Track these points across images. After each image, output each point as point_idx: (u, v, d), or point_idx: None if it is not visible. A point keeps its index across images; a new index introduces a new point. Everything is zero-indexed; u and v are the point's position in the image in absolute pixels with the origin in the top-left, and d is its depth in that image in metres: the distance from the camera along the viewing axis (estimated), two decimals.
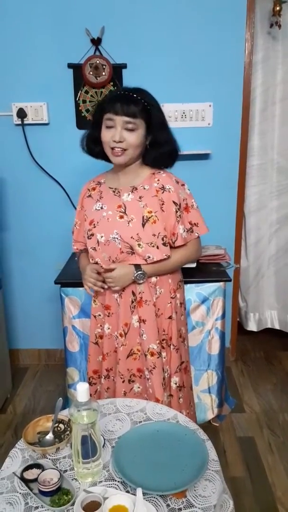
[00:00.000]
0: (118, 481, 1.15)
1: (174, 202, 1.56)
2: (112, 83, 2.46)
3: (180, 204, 1.58)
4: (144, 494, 1.07)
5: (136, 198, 1.58)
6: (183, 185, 1.63)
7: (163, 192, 1.56)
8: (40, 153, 2.58)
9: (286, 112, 2.71)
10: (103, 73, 2.41)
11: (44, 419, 1.38)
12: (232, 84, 2.48)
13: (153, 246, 1.56)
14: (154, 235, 1.56)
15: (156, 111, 1.56)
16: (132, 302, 1.63)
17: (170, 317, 1.67)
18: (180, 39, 2.42)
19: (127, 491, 1.11)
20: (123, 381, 1.70)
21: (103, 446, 1.26)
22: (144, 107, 1.52)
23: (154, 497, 1.09)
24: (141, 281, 1.60)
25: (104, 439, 1.29)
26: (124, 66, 2.44)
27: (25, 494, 1.12)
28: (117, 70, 2.44)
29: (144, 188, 1.58)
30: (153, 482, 1.12)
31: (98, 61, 2.39)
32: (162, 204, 1.56)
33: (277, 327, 3.05)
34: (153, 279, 1.63)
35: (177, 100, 2.50)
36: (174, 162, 1.65)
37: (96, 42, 2.40)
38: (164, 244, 1.57)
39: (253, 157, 2.73)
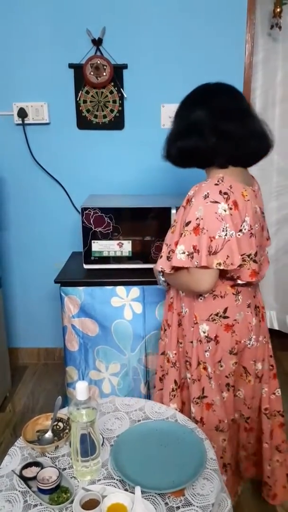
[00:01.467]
0: (117, 480, 1.16)
1: (185, 219, 1.43)
2: (112, 84, 2.46)
3: (190, 222, 1.39)
4: (142, 492, 1.07)
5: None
6: (213, 202, 1.36)
7: (188, 204, 1.44)
8: (40, 152, 2.58)
9: (286, 114, 2.72)
10: (104, 74, 2.41)
11: (43, 418, 1.39)
12: (233, 85, 2.48)
13: (162, 254, 1.54)
14: (166, 244, 1.53)
15: None
16: (170, 304, 1.66)
17: (191, 342, 1.56)
18: (181, 40, 2.42)
19: (126, 490, 1.12)
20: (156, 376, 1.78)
21: (102, 444, 1.27)
22: None
23: (153, 496, 1.10)
24: (160, 284, 1.63)
25: (103, 438, 1.30)
26: (125, 66, 2.45)
27: (24, 492, 1.12)
28: (118, 70, 2.44)
29: (188, 194, 1.49)
30: (152, 480, 1.12)
31: (99, 62, 2.40)
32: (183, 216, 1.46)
33: (276, 327, 3.06)
34: (181, 292, 1.58)
35: (177, 100, 2.44)
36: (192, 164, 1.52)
37: (97, 42, 2.40)
38: (168, 257, 1.50)
39: None
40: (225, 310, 1.49)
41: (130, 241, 2.09)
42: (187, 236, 1.39)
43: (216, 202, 1.36)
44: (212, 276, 1.40)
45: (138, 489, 1.06)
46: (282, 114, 2.72)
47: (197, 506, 1.07)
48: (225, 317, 1.50)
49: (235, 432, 1.70)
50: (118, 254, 2.10)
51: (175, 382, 1.66)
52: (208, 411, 1.58)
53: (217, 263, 1.37)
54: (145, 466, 1.18)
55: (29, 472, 1.17)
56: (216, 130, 1.38)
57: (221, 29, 2.41)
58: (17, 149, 2.58)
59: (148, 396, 2.15)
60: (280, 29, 2.48)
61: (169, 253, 1.50)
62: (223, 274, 1.44)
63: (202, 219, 1.37)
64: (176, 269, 1.47)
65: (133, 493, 1.07)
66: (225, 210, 1.36)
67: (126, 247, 2.09)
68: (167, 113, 2.52)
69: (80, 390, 1.13)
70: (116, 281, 2.07)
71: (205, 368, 1.54)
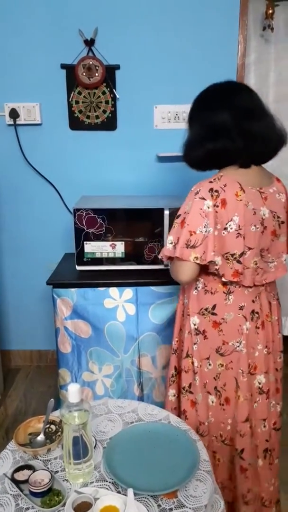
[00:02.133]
0: (110, 482, 1.15)
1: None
2: (105, 84, 2.46)
3: (180, 215, 1.46)
4: (135, 494, 1.07)
5: None
6: (201, 198, 1.40)
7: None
8: (32, 153, 2.57)
9: (278, 114, 2.72)
10: (96, 74, 2.41)
11: (36, 420, 1.38)
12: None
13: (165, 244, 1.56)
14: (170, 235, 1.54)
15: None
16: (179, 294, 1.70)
17: (188, 332, 1.58)
18: (174, 40, 2.42)
19: (118, 492, 1.11)
20: None
21: (95, 447, 1.26)
22: None
23: (145, 498, 1.09)
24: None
25: (96, 440, 1.29)
26: (117, 67, 2.45)
27: (16, 496, 1.11)
28: (110, 71, 2.44)
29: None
30: (144, 482, 1.12)
31: (91, 62, 2.39)
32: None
33: None
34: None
35: (170, 101, 2.51)
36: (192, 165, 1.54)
37: (89, 43, 2.40)
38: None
39: None
40: (214, 307, 1.51)
41: (123, 242, 2.08)
42: (175, 228, 1.47)
43: (203, 198, 1.40)
44: (190, 269, 1.44)
45: (130, 491, 1.06)
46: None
47: (189, 508, 1.07)
48: (213, 314, 1.51)
49: (226, 462, 1.62)
50: (111, 255, 2.09)
51: (175, 368, 1.69)
52: (192, 409, 1.60)
53: (194, 257, 1.41)
54: (138, 468, 1.18)
55: (21, 475, 1.16)
56: (243, 130, 1.38)
57: (213, 30, 2.41)
58: (9, 150, 2.57)
59: (142, 398, 2.15)
60: (272, 30, 2.49)
61: (171, 242, 1.52)
62: (206, 269, 1.48)
63: (188, 213, 1.42)
64: (171, 258, 1.52)
65: (126, 495, 1.06)
66: (209, 207, 1.39)
67: (119, 248, 2.09)
68: (160, 114, 2.53)
69: (72, 392, 1.12)
70: (108, 282, 2.06)
71: (192, 363, 1.57)
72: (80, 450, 1.13)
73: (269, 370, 1.57)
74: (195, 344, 1.55)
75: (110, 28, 2.40)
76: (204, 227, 1.39)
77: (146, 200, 2.26)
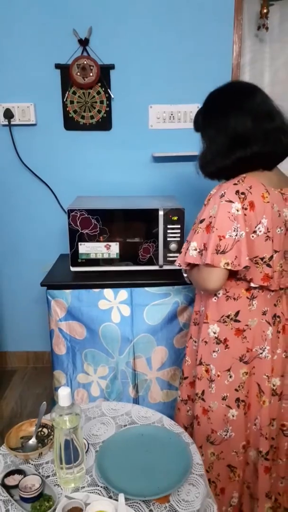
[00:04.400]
0: (101, 487, 1.13)
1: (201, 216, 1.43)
2: (99, 84, 2.44)
3: (204, 220, 1.40)
4: (126, 499, 1.06)
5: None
6: (227, 201, 1.34)
7: (207, 203, 1.43)
8: (27, 154, 2.55)
9: None
10: (91, 74, 2.39)
11: (27, 424, 1.37)
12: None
13: (182, 250, 1.52)
14: (187, 241, 1.49)
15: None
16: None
17: (202, 340, 1.54)
18: (168, 40, 2.41)
19: (110, 497, 1.10)
20: None
21: (87, 450, 1.25)
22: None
23: (137, 503, 1.08)
24: (185, 276, 1.61)
25: (88, 444, 1.28)
26: (112, 67, 2.43)
27: (6, 501, 1.10)
28: (105, 71, 2.42)
29: (210, 192, 1.47)
30: (136, 487, 1.11)
31: (85, 62, 2.38)
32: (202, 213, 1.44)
33: None
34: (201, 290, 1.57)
35: (165, 101, 2.49)
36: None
37: (84, 42, 2.38)
38: (185, 253, 1.48)
39: None
40: (237, 314, 1.46)
41: (118, 243, 2.07)
42: (199, 234, 1.40)
43: (231, 201, 1.34)
44: (219, 275, 1.37)
45: (121, 497, 1.05)
46: None
47: None
48: (236, 321, 1.46)
49: (251, 474, 1.59)
50: (106, 256, 2.08)
51: (183, 372, 1.70)
52: (204, 416, 1.55)
53: (225, 263, 1.34)
54: (130, 472, 1.17)
55: (12, 480, 1.15)
56: (266, 133, 1.34)
57: (208, 30, 2.40)
58: (3, 151, 2.55)
59: (137, 400, 2.13)
60: (267, 30, 2.47)
61: (187, 249, 1.48)
62: (235, 275, 1.42)
63: (214, 217, 1.36)
64: (192, 265, 1.48)
65: (117, 500, 1.05)
66: (237, 210, 1.33)
67: (113, 249, 2.07)
68: (155, 113, 2.51)
69: (63, 396, 1.11)
70: (103, 283, 2.05)
71: (207, 371, 1.51)
72: (70, 454, 1.12)
73: (285, 374, 1.53)
74: (214, 352, 1.50)
75: (105, 28, 2.38)
76: (234, 231, 1.33)
77: (141, 200, 2.25)
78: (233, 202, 1.34)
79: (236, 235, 1.34)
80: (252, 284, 1.42)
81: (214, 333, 1.49)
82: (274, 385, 1.51)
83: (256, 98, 1.38)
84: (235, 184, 1.36)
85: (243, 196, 1.34)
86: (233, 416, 1.53)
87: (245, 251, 1.34)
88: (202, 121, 1.47)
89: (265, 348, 1.47)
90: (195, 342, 1.63)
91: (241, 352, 1.48)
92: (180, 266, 1.53)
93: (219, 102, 1.43)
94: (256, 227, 1.36)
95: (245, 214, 1.34)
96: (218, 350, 1.49)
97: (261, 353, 1.48)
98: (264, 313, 1.46)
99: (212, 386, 1.52)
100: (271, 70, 2.65)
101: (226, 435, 1.55)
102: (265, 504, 1.56)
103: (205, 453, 1.58)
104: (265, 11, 2.41)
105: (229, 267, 1.35)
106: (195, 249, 1.41)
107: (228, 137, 1.37)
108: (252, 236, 1.37)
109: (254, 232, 1.37)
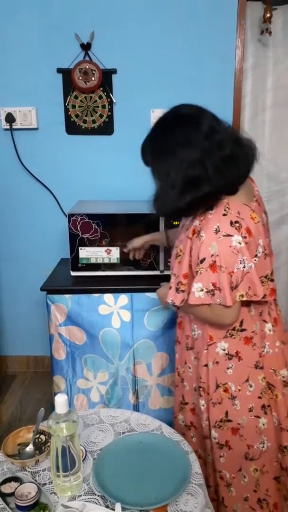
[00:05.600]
0: (98, 495, 1.12)
1: (198, 255, 1.32)
2: (101, 88, 2.44)
3: (204, 259, 1.30)
4: (124, 509, 1.04)
5: (186, 227, 1.40)
6: (225, 236, 1.27)
7: (196, 237, 1.32)
8: (29, 158, 2.55)
9: (276, 119, 2.71)
10: (93, 78, 2.39)
11: (25, 430, 1.35)
12: (223, 91, 2.47)
13: (171, 285, 1.43)
14: (174, 274, 1.43)
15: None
16: (180, 322, 1.61)
17: (206, 365, 1.46)
18: (170, 44, 2.40)
19: (107, 506, 1.08)
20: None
21: (85, 458, 1.23)
22: None
23: None
24: (173, 309, 1.57)
25: (86, 451, 1.26)
26: (113, 71, 2.43)
27: (2, 509, 1.08)
28: (107, 75, 2.42)
29: (193, 220, 1.36)
30: (134, 496, 1.09)
31: (87, 66, 2.38)
32: (191, 249, 1.35)
33: None
34: (191, 315, 1.50)
35: (167, 106, 2.43)
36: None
37: (86, 47, 2.38)
38: (177, 289, 1.40)
39: None
40: (241, 323, 1.42)
41: (118, 248, 2.05)
42: (203, 274, 1.30)
43: (229, 235, 1.27)
44: (236, 310, 1.34)
45: (118, 506, 1.03)
46: (271, 119, 2.71)
47: None
48: (242, 330, 1.41)
49: (270, 465, 1.53)
50: (106, 260, 2.07)
51: (183, 397, 1.62)
52: (235, 437, 1.46)
53: (239, 295, 1.31)
54: (128, 481, 1.15)
55: (8, 488, 1.14)
56: (217, 164, 1.24)
57: (211, 34, 2.39)
58: (5, 155, 2.55)
59: (137, 406, 2.12)
60: (270, 34, 2.46)
61: (177, 284, 1.40)
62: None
63: (217, 255, 1.27)
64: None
65: (114, 509, 1.03)
66: (240, 243, 1.27)
67: (114, 253, 2.06)
68: (157, 118, 2.50)
69: (59, 403, 1.09)
70: (103, 288, 2.03)
71: (226, 390, 1.45)
72: (67, 462, 1.10)
73: (286, 363, 1.52)
74: (228, 369, 1.44)
75: (107, 32, 2.38)
76: (241, 263, 1.28)
77: (142, 205, 2.22)
78: (232, 236, 1.27)
79: (244, 267, 1.29)
80: (264, 300, 1.39)
81: (224, 350, 1.44)
82: (283, 377, 1.49)
83: (204, 128, 1.25)
84: (224, 215, 1.28)
85: (238, 225, 1.27)
86: (263, 424, 1.47)
87: (258, 280, 1.31)
88: (148, 158, 1.36)
89: (265, 344, 1.47)
90: (189, 368, 1.57)
91: (255, 359, 1.44)
92: (173, 302, 1.43)
93: (164, 137, 1.31)
94: (256, 250, 1.34)
95: (246, 243, 1.28)
96: (232, 365, 1.44)
97: (262, 351, 1.46)
98: (260, 314, 1.46)
99: (236, 403, 1.45)
100: (274, 75, 2.65)
101: (263, 447, 1.48)
102: None
103: (248, 473, 1.49)
104: (268, 15, 2.40)
105: (244, 299, 1.31)
106: (201, 290, 1.32)
107: (179, 178, 1.25)
108: (255, 260, 1.33)
109: (256, 256, 1.34)
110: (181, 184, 1.25)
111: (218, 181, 1.24)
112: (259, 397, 1.45)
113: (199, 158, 1.22)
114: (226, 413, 1.45)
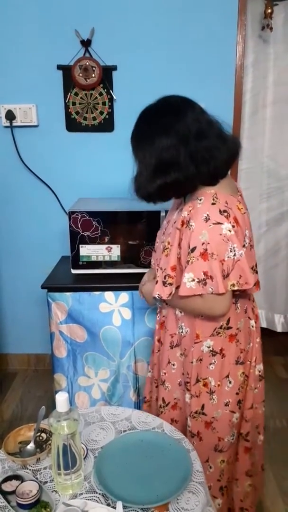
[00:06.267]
0: (99, 494, 1.12)
1: (189, 244, 1.33)
2: (102, 85, 2.43)
3: (195, 247, 1.31)
4: (125, 507, 1.04)
5: (173, 221, 1.42)
6: (215, 224, 1.28)
7: (185, 227, 1.34)
8: (29, 155, 2.54)
9: (276, 116, 2.70)
10: (93, 75, 2.38)
11: (26, 428, 1.35)
12: (224, 87, 2.46)
13: (157, 279, 1.44)
14: (160, 268, 1.43)
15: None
16: (162, 322, 1.61)
17: (191, 362, 1.48)
18: (171, 41, 2.39)
19: (108, 504, 1.08)
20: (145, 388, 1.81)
21: (86, 456, 1.23)
22: None
23: (135, 511, 1.06)
24: (159, 304, 1.58)
25: (87, 449, 1.26)
26: (114, 68, 2.42)
27: (3, 507, 1.08)
28: (107, 72, 2.41)
29: (181, 212, 1.38)
30: (135, 494, 1.09)
31: (87, 63, 2.37)
32: (181, 240, 1.36)
33: (264, 325, 3.08)
34: (177, 312, 1.50)
35: None
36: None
37: (86, 43, 2.37)
38: (164, 283, 1.40)
39: (242, 160, 2.72)
40: (228, 321, 1.43)
41: (119, 245, 2.05)
42: (195, 263, 1.31)
43: (219, 223, 1.28)
44: (228, 299, 1.34)
45: (119, 504, 1.03)
46: (271, 116, 2.70)
47: None
48: (228, 328, 1.43)
49: (233, 454, 1.61)
50: (107, 258, 2.06)
51: (163, 400, 1.61)
52: (207, 430, 1.51)
53: (230, 285, 1.31)
54: (129, 479, 1.15)
55: (9, 486, 1.13)
56: (192, 153, 1.27)
57: (212, 30, 2.38)
58: (5, 152, 2.54)
59: (138, 403, 2.11)
60: (271, 30, 2.45)
61: (164, 278, 1.40)
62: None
63: (208, 243, 1.29)
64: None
65: (115, 507, 1.03)
66: (229, 231, 1.29)
67: (115, 251, 2.06)
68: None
69: (60, 401, 1.09)
70: (104, 286, 2.03)
71: (205, 385, 1.48)
72: (68, 460, 1.10)
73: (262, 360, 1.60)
74: (210, 365, 1.46)
75: (107, 29, 2.37)
76: (231, 251, 1.29)
77: (142, 202, 2.22)
78: (222, 223, 1.29)
79: (234, 255, 1.30)
80: (250, 293, 1.44)
81: (209, 347, 1.45)
82: (259, 371, 1.57)
83: (186, 118, 1.29)
84: (213, 204, 1.30)
85: (226, 214, 1.30)
86: (236, 419, 1.53)
87: (248, 268, 1.32)
88: (131, 143, 1.41)
89: (250, 341, 1.52)
90: (173, 365, 1.57)
91: (236, 355, 1.48)
92: (160, 297, 1.43)
93: (146, 124, 1.37)
94: (244, 240, 1.35)
95: (235, 231, 1.30)
96: (214, 361, 1.46)
97: (247, 347, 1.51)
98: (246, 311, 1.49)
99: (213, 398, 1.48)
100: (275, 71, 2.64)
101: (232, 439, 1.54)
102: (244, 482, 1.62)
103: (214, 464, 1.53)
104: (269, 11, 2.40)
105: (236, 288, 1.32)
106: (193, 280, 1.32)
107: (152, 162, 1.30)
108: (244, 248, 1.34)
109: (243, 246, 1.35)
110: (153, 167, 1.30)
111: (191, 169, 1.28)
112: (237, 393, 1.50)
113: (173, 144, 1.27)
114: (203, 406, 1.50)
